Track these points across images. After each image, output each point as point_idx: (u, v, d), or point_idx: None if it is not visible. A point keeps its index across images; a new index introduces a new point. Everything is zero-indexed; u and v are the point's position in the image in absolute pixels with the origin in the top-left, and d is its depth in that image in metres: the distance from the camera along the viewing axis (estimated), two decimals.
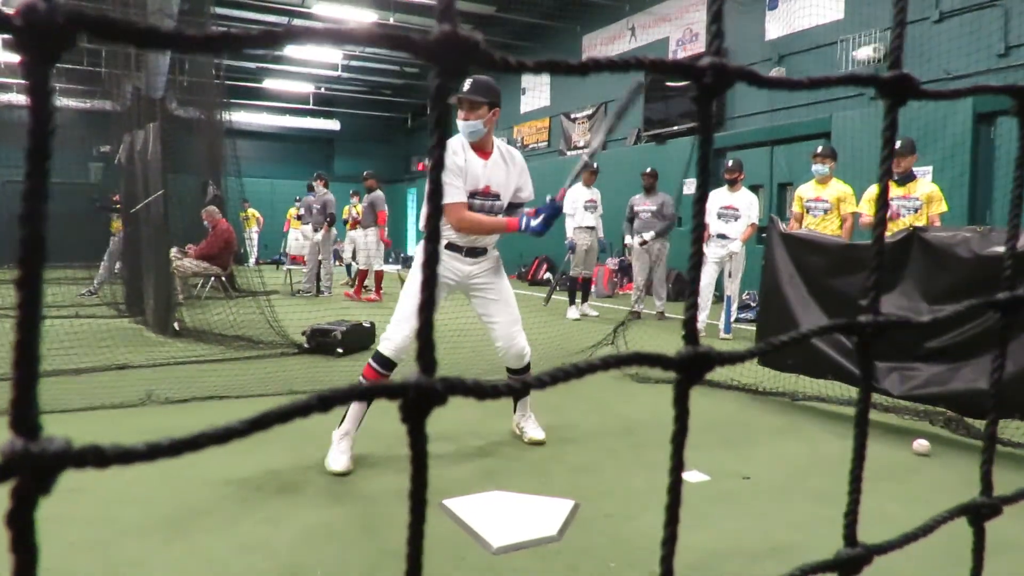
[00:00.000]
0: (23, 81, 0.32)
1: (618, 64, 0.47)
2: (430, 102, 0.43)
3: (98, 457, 0.34)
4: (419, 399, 0.41)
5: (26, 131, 0.32)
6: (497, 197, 3.22)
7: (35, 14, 0.31)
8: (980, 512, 0.66)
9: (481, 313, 3.35)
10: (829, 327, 0.57)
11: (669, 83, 11.99)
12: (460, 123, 3.14)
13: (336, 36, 0.41)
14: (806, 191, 6.22)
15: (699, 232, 0.51)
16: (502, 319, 3.30)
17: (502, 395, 0.44)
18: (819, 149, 6.20)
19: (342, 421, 3.11)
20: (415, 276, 3.24)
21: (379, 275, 10.23)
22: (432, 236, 0.43)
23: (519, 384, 0.45)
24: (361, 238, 10.12)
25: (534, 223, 3.07)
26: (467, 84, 3.12)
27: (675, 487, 0.50)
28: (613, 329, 5.80)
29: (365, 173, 10.24)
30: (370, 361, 3.16)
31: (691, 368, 0.48)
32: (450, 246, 3.22)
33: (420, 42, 0.40)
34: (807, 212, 6.13)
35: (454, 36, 0.41)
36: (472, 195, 3.14)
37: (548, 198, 3.09)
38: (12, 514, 0.33)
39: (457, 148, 3.12)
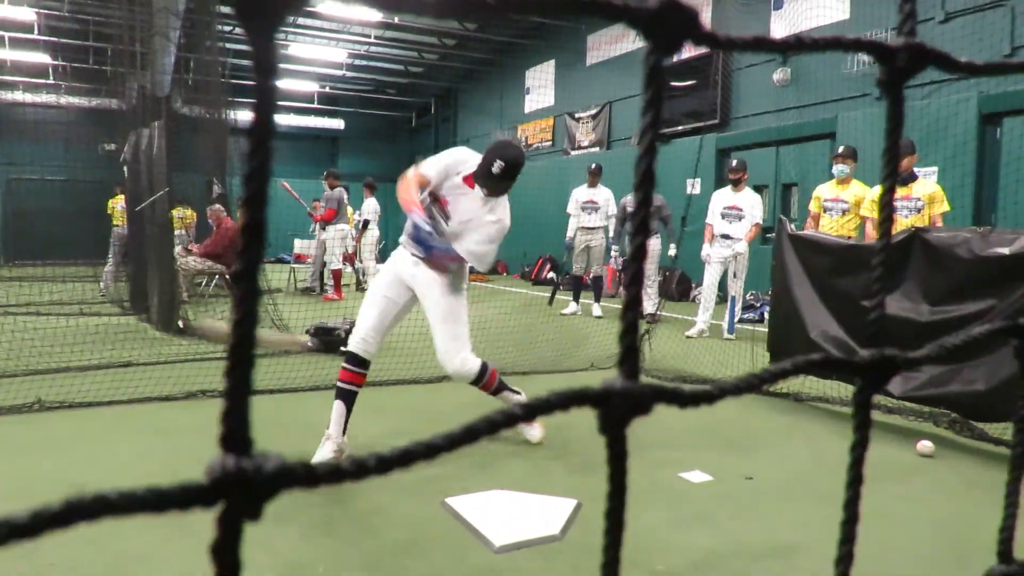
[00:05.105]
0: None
1: (819, 43, 0.43)
2: (644, 80, 0.38)
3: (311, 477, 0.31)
4: (623, 407, 0.37)
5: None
6: (446, 217, 3.16)
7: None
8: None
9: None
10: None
11: (673, 82, 11.98)
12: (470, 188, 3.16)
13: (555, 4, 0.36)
14: (825, 191, 6.02)
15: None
16: (437, 333, 3.19)
17: (710, 400, 0.41)
18: (840, 149, 6.01)
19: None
20: (378, 276, 3.34)
21: (336, 273, 10.16)
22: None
23: (716, 390, 0.42)
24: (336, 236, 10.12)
25: (420, 230, 3.02)
26: (496, 167, 3.06)
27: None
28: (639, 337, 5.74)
29: (325, 172, 10.43)
30: (344, 364, 3.13)
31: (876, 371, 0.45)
32: (407, 242, 3.23)
33: (639, 11, 0.36)
34: (824, 212, 5.96)
35: (675, 6, 0.36)
36: (434, 199, 3.16)
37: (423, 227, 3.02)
38: (219, 544, 0.29)
39: (467, 158, 3.17)
